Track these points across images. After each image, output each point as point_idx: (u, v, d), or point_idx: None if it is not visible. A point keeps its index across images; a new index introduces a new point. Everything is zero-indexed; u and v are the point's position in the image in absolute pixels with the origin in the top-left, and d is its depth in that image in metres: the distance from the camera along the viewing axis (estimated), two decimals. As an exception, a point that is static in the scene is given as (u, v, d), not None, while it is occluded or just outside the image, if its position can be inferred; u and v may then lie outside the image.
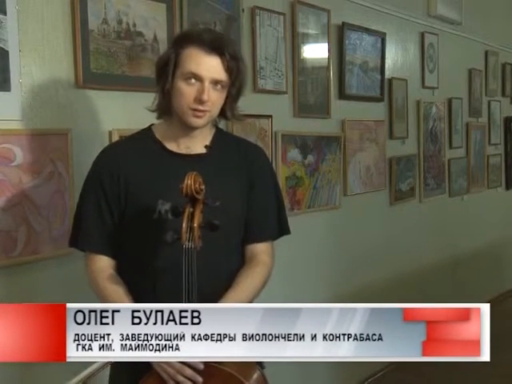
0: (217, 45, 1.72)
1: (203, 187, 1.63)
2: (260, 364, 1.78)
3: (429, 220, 4.93)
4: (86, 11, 2.34)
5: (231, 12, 3.00)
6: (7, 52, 2.12)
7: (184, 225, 1.62)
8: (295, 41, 3.43)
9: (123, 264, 1.83)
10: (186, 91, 1.73)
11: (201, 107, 1.73)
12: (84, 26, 2.33)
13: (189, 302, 1.61)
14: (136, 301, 1.73)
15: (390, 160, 4.38)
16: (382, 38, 4.22)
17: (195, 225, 1.62)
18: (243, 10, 3.07)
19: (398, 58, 4.50)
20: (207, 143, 1.83)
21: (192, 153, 1.82)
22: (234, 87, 1.78)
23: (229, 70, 1.73)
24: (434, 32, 4.91)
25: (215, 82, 1.73)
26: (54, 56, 2.27)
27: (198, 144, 1.83)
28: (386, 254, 4.34)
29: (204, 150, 1.82)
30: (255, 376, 1.71)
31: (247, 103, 3.07)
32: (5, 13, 2.10)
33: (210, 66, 1.71)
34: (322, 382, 3.81)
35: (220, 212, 1.67)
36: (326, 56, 3.70)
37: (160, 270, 1.76)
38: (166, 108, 1.80)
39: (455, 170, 5.33)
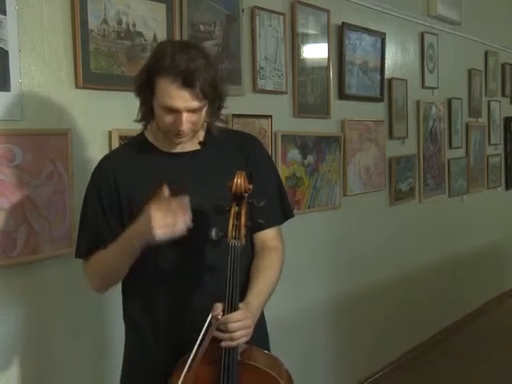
0: (188, 78, 1.66)
1: (251, 186, 1.65)
2: None
3: (428, 220, 4.93)
4: (86, 11, 2.34)
5: (231, 12, 3.00)
6: (7, 52, 2.12)
7: (230, 222, 1.63)
8: (295, 41, 3.43)
9: (132, 267, 1.82)
10: (165, 119, 1.73)
11: (180, 133, 1.74)
12: (84, 26, 2.33)
13: (231, 299, 1.63)
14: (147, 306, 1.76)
15: (390, 160, 4.38)
16: (382, 38, 4.22)
17: (242, 223, 1.64)
18: (243, 10, 3.07)
19: (397, 58, 4.50)
20: (201, 139, 1.84)
21: (186, 150, 1.82)
22: (213, 104, 1.76)
23: (204, 96, 1.70)
24: (434, 32, 4.91)
25: (192, 110, 1.71)
26: (54, 56, 2.28)
27: (191, 142, 1.83)
28: (386, 254, 4.34)
29: (198, 147, 1.83)
30: (284, 373, 1.73)
31: (247, 103, 3.11)
32: (5, 13, 2.10)
33: (183, 99, 1.68)
34: (322, 382, 3.81)
35: (257, 209, 1.69)
36: (326, 56, 3.69)
37: (169, 270, 1.77)
38: (150, 119, 1.81)
39: (455, 170, 5.33)
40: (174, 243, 1.75)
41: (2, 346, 2.16)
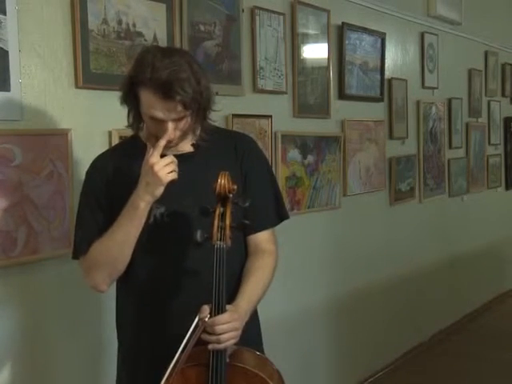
0: (168, 91, 1.64)
1: (235, 187, 1.64)
2: None
3: (429, 220, 4.93)
4: (86, 11, 2.34)
5: (231, 12, 3.00)
6: (7, 52, 2.12)
7: (215, 224, 1.63)
8: (295, 41, 3.43)
9: (127, 272, 1.82)
10: (152, 127, 1.73)
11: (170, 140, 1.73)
12: (84, 26, 2.33)
13: (218, 301, 1.62)
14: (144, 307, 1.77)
15: (390, 160, 4.38)
16: (382, 38, 4.22)
17: (227, 224, 1.63)
18: (243, 10, 3.07)
19: (397, 58, 4.50)
20: (194, 141, 1.83)
21: (179, 153, 1.80)
22: (198, 112, 1.74)
23: (186, 107, 1.68)
24: (434, 32, 4.91)
25: (177, 119, 1.71)
26: (53, 56, 2.27)
27: (185, 144, 1.82)
28: (386, 254, 4.34)
29: (191, 149, 1.82)
30: (275, 374, 1.73)
31: (247, 103, 3.11)
32: (5, 13, 2.10)
33: (166, 110, 1.67)
34: (322, 382, 3.81)
35: (242, 209, 1.68)
36: (326, 56, 3.69)
37: (162, 271, 1.77)
38: (139, 125, 1.80)
39: (455, 170, 5.33)
40: (162, 245, 1.75)
41: (0, 346, 2.16)
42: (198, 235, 1.61)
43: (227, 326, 1.62)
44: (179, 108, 1.67)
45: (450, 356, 4.71)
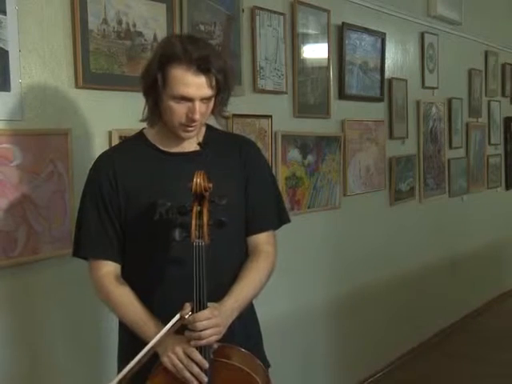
0: (203, 64, 1.68)
1: (211, 185, 1.66)
2: (265, 363, 1.85)
3: (428, 220, 4.93)
4: (86, 11, 2.34)
5: (231, 12, 3.00)
6: (7, 52, 2.12)
7: (193, 222, 1.64)
8: (295, 41, 3.43)
9: (129, 266, 1.84)
10: (177, 110, 1.74)
11: (192, 124, 1.76)
12: (84, 26, 2.33)
13: (199, 298, 1.64)
14: (144, 301, 1.78)
15: (390, 160, 4.38)
16: (382, 38, 4.22)
17: (204, 222, 1.64)
18: (243, 10, 3.07)
19: (397, 58, 4.50)
20: (200, 141, 1.84)
21: (186, 151, 1.83)
22: (223, 94, 1.79)
23: (217, 84, 1.73)
24: (434, 32, 4.91)
25: (204, 99, 1.74)
26: (53, 56, 2.28)
27: (190, 143, 1.84)
28: (386, 254, 4.34)
29: (197, 148, 1.83)
30: (260, 369, 1.75)
31: (247, 103, 3.11)
32: (5, 13, 2.11)
33: (198, 86, 1.70)
34: (322, 382, 3.81)
35: (220, 207, 1.70)
36: (326, 56, 3.69)
37: (166, 269, 1.78)
38: (157, 118, 1.81)
39: (455, 170, 5.33)
40: (164, 243, 1.75)
41: (0, 346, 2.16)
42: (177, 234, 1.63)
43: (207, 323, 1.64)
44: (211, 84, 1.70)
45: (449, 356, 4.71)
